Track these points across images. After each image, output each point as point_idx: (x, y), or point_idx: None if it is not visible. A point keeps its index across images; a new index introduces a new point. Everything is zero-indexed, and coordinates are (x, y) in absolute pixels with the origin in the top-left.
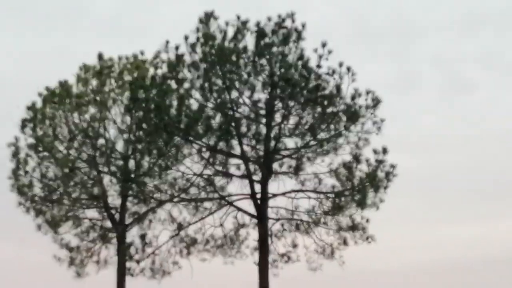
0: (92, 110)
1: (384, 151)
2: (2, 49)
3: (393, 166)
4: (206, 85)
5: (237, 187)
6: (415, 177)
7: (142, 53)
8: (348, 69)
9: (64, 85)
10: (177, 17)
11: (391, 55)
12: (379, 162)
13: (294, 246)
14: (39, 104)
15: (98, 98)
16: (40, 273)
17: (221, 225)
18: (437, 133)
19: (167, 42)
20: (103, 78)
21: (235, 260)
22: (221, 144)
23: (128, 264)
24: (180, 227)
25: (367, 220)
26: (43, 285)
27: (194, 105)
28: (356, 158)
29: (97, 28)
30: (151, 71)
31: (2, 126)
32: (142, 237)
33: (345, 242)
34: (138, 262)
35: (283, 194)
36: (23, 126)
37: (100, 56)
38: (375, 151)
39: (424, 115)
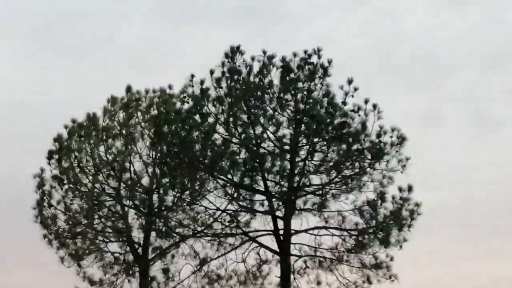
0: (118, 143)
1: (410, 189)
2: (29, 80)
3: (417, 205)
4: (231, 120)
5: (260, 223)
6: (440, 214)
7: (170, 87)
8: (374, 106)
9: (91, 117)
10: (204, 50)
11: (418, 91)
12: (404, 200)
13: (318, 283)
14: (65, 135)
15: (124, 131)
16: None
17: (244, 261)
18: (464, 170)
19: (192, 76)
20: (130, 111)
21: None
22: (246, 180)
23: None
24: (202, 262)
25: (391, 259)
26: None
27: (219, 140)
28: (381, 197)
29: (125, 61)
30: (179, 105)
31: (30, 156)
32: (165, 271)
33: (368, 280)
34: None
35: (306, 231)
36: (49, 157)
37: (128, 89)
38: (400, 189)
39: (450, 152)
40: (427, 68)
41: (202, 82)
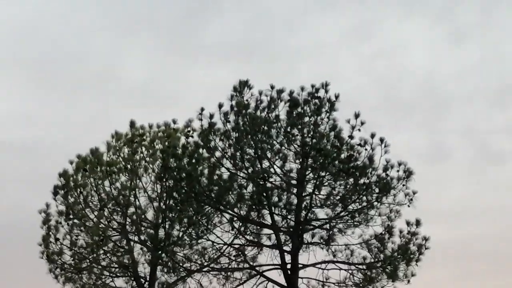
0: (123, 178)
1: (418, 223)
2: (35, 116)
3: (425, 239)
4: (238, 154)
5: (267, 257)
6: (446, 247)
7: (174, 121)
8: (381, 140)
9: (95, 153)
10: (208, 85)
11: (422, 126)
12: (412, 234)
13: None
14: (71, 171)
15: (129, 166)
16: None
17: None
18: (468, 204)
19: (202, 109)
20: (134, 146)
21: None
22: (253, 214)
23: None
24: None
25: None
26: None
27: (226, 174)
28: (389, 230)
29: (129, 96)
30: (182, 140)
31: (35, 192)
32: None
33: None
34: None
35: (314, 265)
36: (55, 193)
37: (132, 124)
38: (408, 223)
39: (455, 186)
40: (430, 103)
41: (211, 116)
